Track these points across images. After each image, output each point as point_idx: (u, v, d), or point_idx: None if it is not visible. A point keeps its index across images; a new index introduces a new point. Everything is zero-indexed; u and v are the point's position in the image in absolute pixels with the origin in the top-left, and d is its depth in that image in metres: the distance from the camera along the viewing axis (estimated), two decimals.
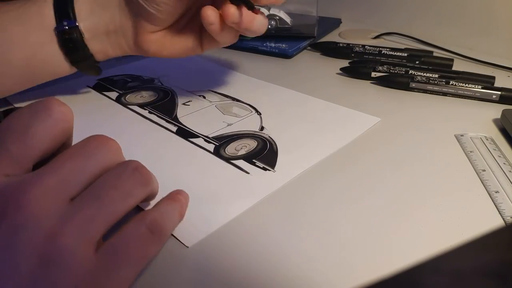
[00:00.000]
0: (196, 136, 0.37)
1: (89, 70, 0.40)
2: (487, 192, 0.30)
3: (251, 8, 0.29)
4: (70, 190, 0.20)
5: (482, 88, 0.43)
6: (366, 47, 0.54)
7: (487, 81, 0.45)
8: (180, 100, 0.44)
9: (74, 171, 0.21)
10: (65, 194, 0.20)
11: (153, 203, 0.27)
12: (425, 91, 0.45)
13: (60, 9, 0.35)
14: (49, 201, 0.19)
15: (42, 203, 0.19)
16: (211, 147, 0.35)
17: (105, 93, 0.45)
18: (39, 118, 0.21)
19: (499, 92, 0.43)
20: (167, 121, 0.39)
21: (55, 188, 0.20)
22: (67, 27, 0.35)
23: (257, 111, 0.41)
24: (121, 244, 0.21)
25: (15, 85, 0.38)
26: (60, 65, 0.37)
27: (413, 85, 0.45)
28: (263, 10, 0.58)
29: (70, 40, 0.36)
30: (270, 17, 0.59)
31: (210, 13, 0.33)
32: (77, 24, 0.36)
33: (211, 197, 0.30)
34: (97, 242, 0.20)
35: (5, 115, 0.23)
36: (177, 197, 0.26)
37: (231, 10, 0.32)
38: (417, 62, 0.52)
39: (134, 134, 0.37)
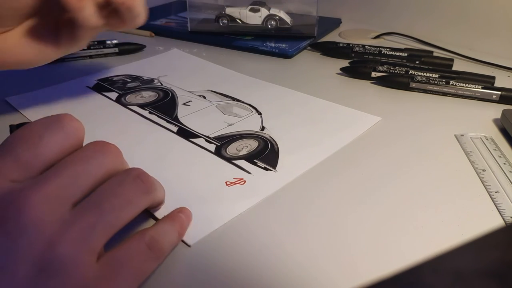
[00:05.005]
0: (197, 136, 0.37)
1: None
2: (487, 192, 0.30)
3: None
4: (71, 195, 0.20)
5: (482, 88, 0.43)
6: (366, 47, 0.54)
7: (487, 81, 0.45)
8: (180, 100, 0.44)
9: (74, 176, 0.21)
10: (66, 199, 0.20)
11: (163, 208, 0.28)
12: (425, 91, 0.45)
13: None
14: (50, 207, 0.19)
15: (43, 209, 0.19)
16: (212, 147, 0.35)
17: (105, 93, 0.45)
18: (52, 130, 0.22)
19: (499, 92, 0.43)
20: (168, 121, 0.39)
21: (56, 193, 0.20)
22: None
23: (257, 111, 0.42)
24: (122, 257, 0.21)
25: None
26: None
27: (413, 85, 0.45)
28: (263, 10, 0.58)
29: None
30: (270, 17, 0.59)
31: None
32: None
33: (212, 197, 0.30)
34: (99, 251, 0.20)
35: (17, 128, 0.23)
36: (177, 216, 0.26)
37: None
38: (417, 62, 0.52)
39: (135, 135, 0.37)
